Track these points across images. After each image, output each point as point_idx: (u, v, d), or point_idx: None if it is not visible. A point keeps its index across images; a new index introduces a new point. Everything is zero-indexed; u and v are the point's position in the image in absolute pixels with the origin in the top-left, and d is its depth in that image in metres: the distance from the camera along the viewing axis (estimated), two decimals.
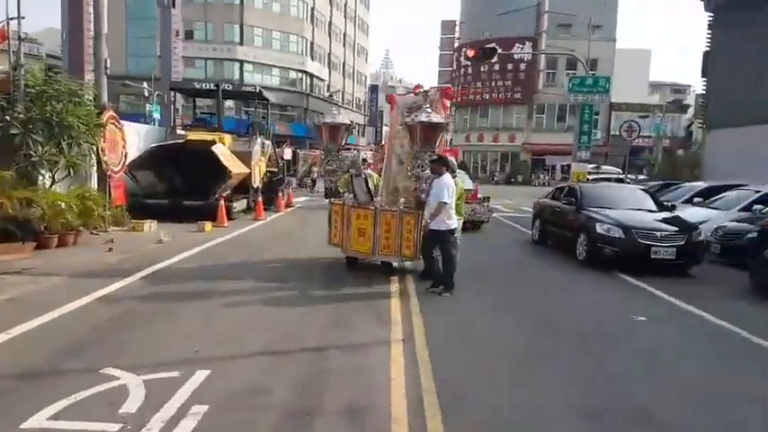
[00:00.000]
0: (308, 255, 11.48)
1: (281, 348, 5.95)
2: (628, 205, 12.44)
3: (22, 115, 11.35)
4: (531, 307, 8.30)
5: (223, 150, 17.11)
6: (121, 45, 56.02)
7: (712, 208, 14.85)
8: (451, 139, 75.56)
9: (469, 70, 63.45)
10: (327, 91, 70.43)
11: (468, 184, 17.95)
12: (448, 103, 10.36)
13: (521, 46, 56.01)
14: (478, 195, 17.20)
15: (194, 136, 18.22)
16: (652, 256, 10.73)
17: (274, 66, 61.41)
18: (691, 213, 14.58)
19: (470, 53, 22.69)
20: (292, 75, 63.53)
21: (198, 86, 20.79)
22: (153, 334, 6.31)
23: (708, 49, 25.35)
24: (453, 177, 8.96)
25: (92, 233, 12.67)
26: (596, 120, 53.64)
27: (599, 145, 50.01)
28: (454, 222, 8.71)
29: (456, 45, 66.96)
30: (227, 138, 18.81)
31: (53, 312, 6.83)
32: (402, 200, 9.66)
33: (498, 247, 14.39)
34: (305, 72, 63.95)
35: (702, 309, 8.34)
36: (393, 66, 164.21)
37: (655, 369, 5.89)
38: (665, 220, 11.58)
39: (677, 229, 11.16)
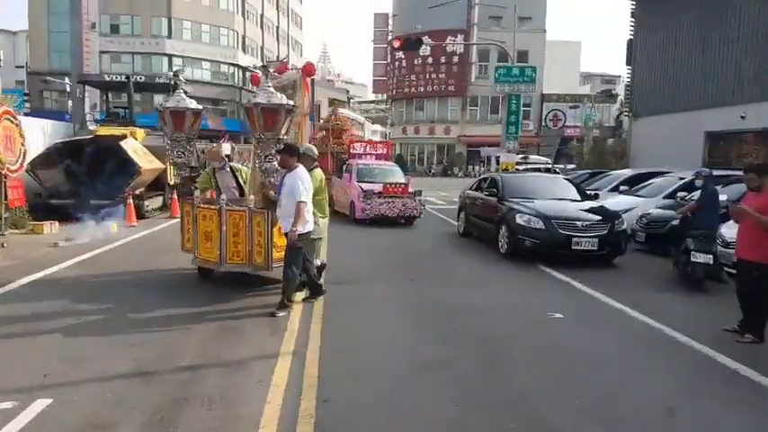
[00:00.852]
0: None
1: (148, 369, 5.16)
2: (550, 195, 12.11)
3: None
4: (443, 306, 7.69)
5: (134, 146, 16.10)
6: (43, 40, 53.42)
7: (638, 196, 14.79)
8: (389, 132, 75.49)
9: (404, 63, 63.10)
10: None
11: (399, 177, 17.56)
12: (309, 81, 9.00)
13: (453, 39, 55.88)
14: (410, 189, 16.46)
15: (104, 131, 17.24)
16: (573, 247, 10.38)
17: (205, 59, 59.71)
18: (617, 202, 14.53)
19: (396, 44, 22.16)
20: (224, 68, 61.90)
21: (108, 79, 19.64)
22: None
23: (631, 37, 25.54)
24: (314, 169, 7.83)
25: None
26: (528, 111, 54.72)
27: (531, 135, 50.51)
28: (309, 225, 7.21)
29: (389, 38, 66.44)
30: (140, 132, 17.81)
31: None
32: (251, 197, 8.05)
33: (422, 241, 13.83)
34: (237, 65, 62.35)
35: (623, 302, 7.98)
36: (331, 60, 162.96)
37: (566, 376, 5.38)
38: (587, 210, 11.27)
39: (599, 218, 10.85)
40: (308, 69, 8.75)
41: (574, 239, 10.36)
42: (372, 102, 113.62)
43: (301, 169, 7.13)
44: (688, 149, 20.83)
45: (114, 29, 55.93)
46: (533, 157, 31.20)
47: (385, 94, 73.30)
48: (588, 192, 13.14)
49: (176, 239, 12.65)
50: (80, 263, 9.93)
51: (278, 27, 75.37)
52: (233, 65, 61.95)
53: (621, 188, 16.11)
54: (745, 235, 6.54)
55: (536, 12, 59.53)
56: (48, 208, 14.41)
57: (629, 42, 25.64)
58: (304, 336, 6.19)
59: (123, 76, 18.94)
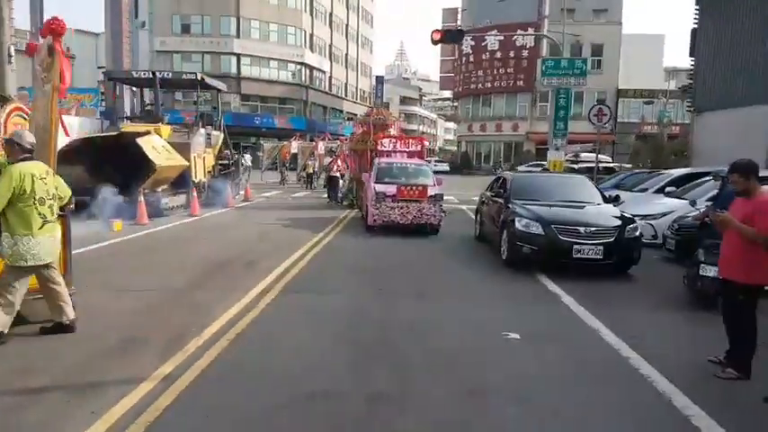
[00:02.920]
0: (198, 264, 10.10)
1: None
2: (563, 198, 10.87)
3: None
4: (390, 324, 6.74)
5: (154, 142, 15.93)
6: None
7: (683, 198, 13.31)
8: (456, 130, 74.04)
9: (471, 59, 61.77)
10: (329, 84, 69.15)
11: (427, 178, 15.00)
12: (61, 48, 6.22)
13: (522, 32, 54.10)
14: (429, 193, 13.97)
15: (129, 128, 17.21)
16: (575, 256, 9.20)
17: (272, 58, 60.51)
18: (656, 204, 13.31)
19: (436, 36, 21.08)
20: (291, 67, 62.49)
21: (135, 75, 19.68)
22: None
23: (695, 26, 23.51)
24: (18, 162, 5.53)
25: None
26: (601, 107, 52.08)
27: (606, 132, 48.08)
28: None
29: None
30: (165, 129, 17.72)
31: None
32: None
33: (430, 246, 12.69)
34: (304, 64, 62.83)
35: (604, 322, 6.83)
36: (408, 57, 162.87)
37: (471, 418, 4.42)
38: (597, 215, 10.01)
39: (609, 224, 9.60)
40: (52, 26, 6.17)
41: (575, 247, 9.19)
42: (447, 99, 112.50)
43: None
44: (753, 147, 18.83)
45: (185, 28, 57.58)
46: (585, 155, 29.51)
47: (451, 91, 71.92)
48: (608, 194, 11.79)
49: (168, 246, 12.34)
50: None
51: (347, 25, 75.43)
52: (300, 63, 62.42)
53: (668, 189, 14.64)
54: (728, 249, 5.33)
55: (612, 3, 57.00)
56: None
57: (693, 32, 23.61)
58: (199, 354, 5.46)
59: (150, 73, 18.87)
